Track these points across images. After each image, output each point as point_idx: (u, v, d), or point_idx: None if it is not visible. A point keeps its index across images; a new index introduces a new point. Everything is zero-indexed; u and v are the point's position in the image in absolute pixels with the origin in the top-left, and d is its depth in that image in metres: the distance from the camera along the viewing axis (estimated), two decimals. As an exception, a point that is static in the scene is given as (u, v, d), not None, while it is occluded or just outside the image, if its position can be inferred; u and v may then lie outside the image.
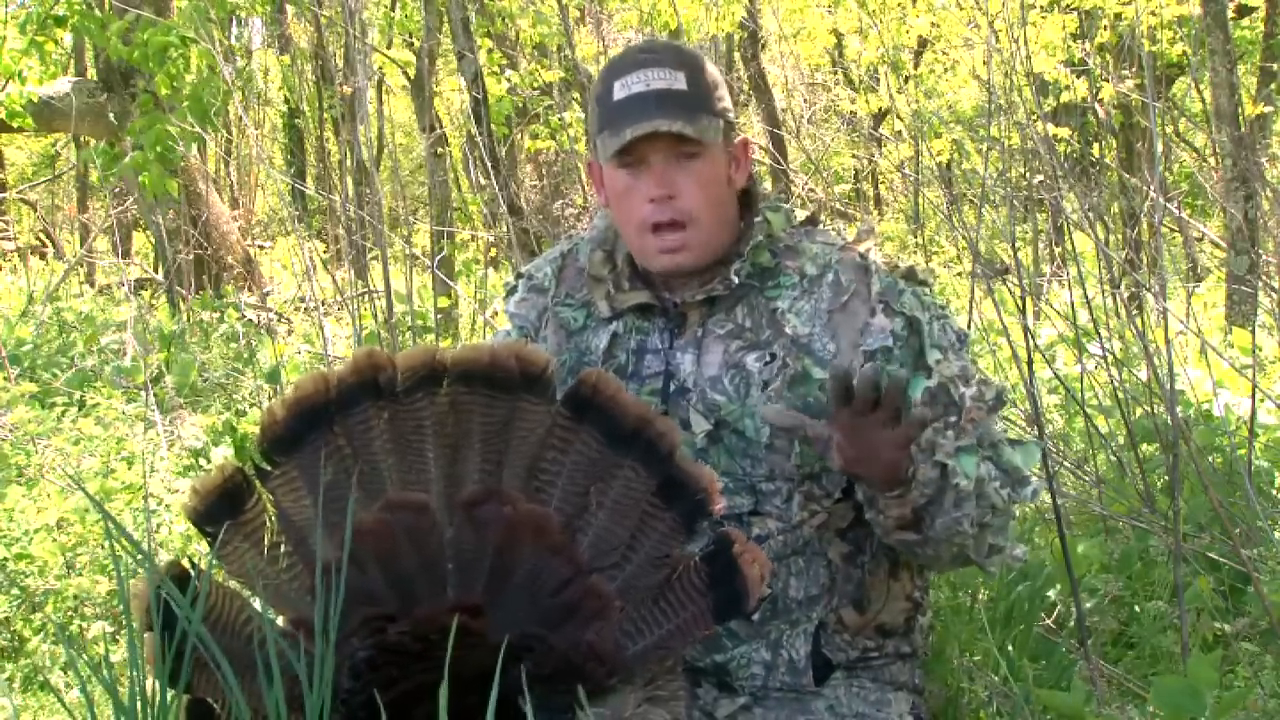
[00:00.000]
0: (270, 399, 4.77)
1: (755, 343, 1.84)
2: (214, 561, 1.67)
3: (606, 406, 1.67)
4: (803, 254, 1.87)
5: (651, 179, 1.81)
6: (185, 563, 1.67)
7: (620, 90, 1.81)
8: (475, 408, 1.68)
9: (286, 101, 14.72)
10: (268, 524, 1.69)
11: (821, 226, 1.97)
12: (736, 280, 1.85)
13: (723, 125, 1.83)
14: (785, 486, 1.83)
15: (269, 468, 1.70)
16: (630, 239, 1.88)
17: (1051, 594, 2.80)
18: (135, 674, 1.42)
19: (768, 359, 1.82)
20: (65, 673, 3.08)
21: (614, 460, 1.66)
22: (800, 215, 1.99)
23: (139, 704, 1.41)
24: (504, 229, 5.46)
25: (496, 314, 5.59)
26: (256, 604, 1.70)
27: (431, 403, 1.69)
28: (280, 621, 1.67)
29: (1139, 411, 3.59)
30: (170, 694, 1.49)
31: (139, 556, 1.57)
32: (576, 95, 6.96)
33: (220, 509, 1.68)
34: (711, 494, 1.65)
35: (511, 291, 2.06)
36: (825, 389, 1.77)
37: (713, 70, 1.87)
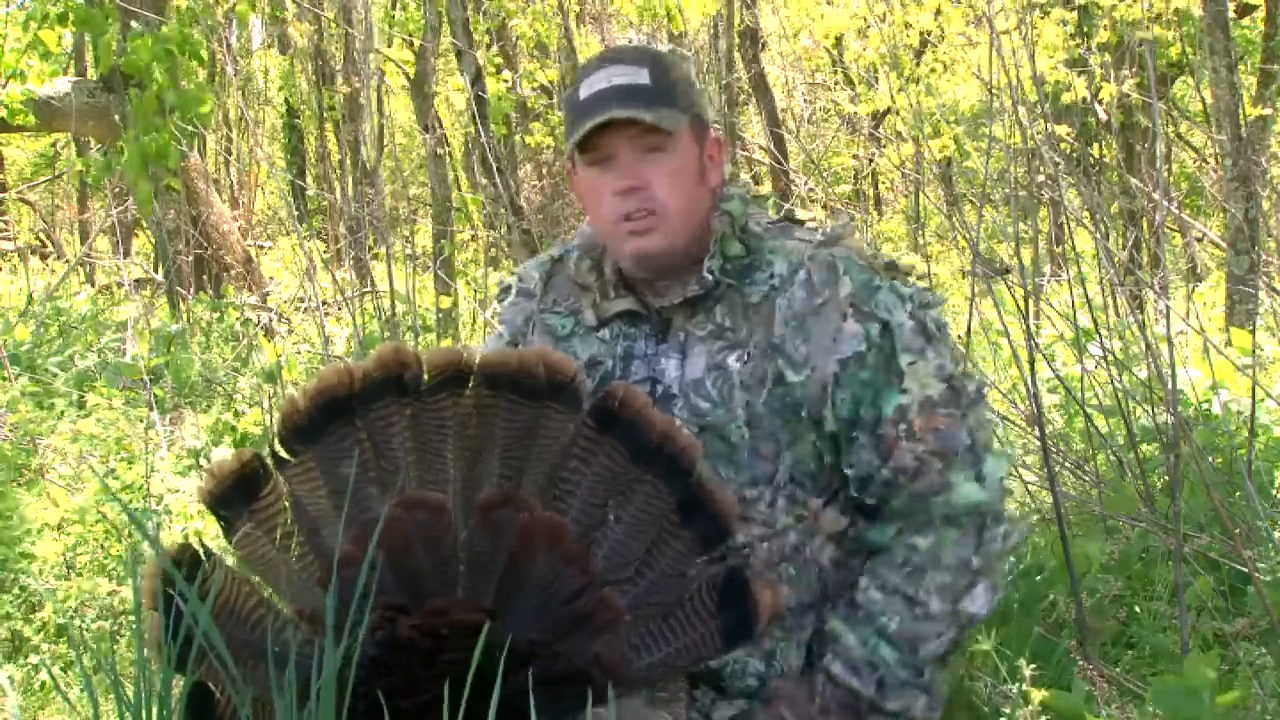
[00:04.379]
0: (270, 399, 4.77)
1: (735, 342, 1.83)
2: (225, 546, 1.67)
3: (632, 420, 1.66)
4: (777, 250, 1.86)
5: (618, 171, 1.81)
6: (196, 545, 1.66)
7: (585, 90, 1.82)
8: (499, 412, 1.67)
9: (286, 102, 14.72)
10: (282, 513, 1.69)
11: (806, 223, 1.95)
12: (711, 278, 1.83)
13: (689, 120, 1.83)
14: (769, 492, 1.82)
15: (287, 457, 1.70)
16: (606, 237, 1.89)
17: (1052, 594, 2.80)
18: (142, 676, 1.41)
19: (745, 358, 1.82)
20: (66, 672, 3.08)
21: (635, 474, 1.65)
22: (763, 211, 1.96)
23: (143, 704, 1.41)
24: (504, 229, 5.46)
25: (496, 313, 5.59)
26: (266, 592, 1.69)
27: (455, 403, 1.68)
28: (288, 611, 1.67)
29: (1139, 411, 3.59)
30: (176, 680, 1.48)
31: (149, 545, 1.58)
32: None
33: (236, 495, 1.68)
34: (731, 515, 1.64)
35: (505, 292, 2.07)
36: (800, 392, 1.78)
37: (683, 71, 1.87)
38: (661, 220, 1.81)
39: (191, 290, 8.32)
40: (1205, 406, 3.87)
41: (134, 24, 4.60)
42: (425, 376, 1.69)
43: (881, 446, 1.79)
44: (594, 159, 1.83)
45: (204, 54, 4.55)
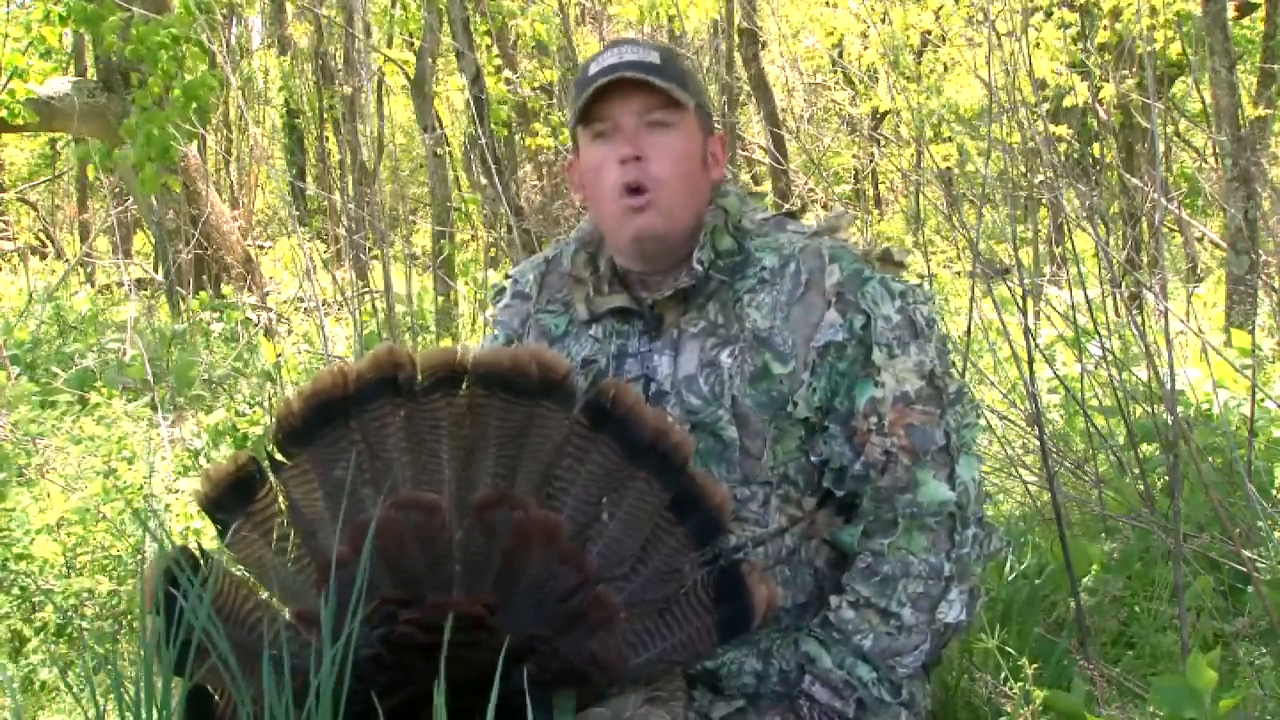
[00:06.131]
0: (270, 399, 4.77)
1: (727, 338, 1.83)
2: (222, 549, 1.67)
3: (625, 417, 1.66)
4: (767, 246, 1.86)
5: (622, 139, 1.81)
6: (194, 548, 1.66)
7: (595, 66, 1.83)
8: (492, 411, 1.68)
9: (286, 102, 14.72)
10: (278, 516, 1.69)
11: (802, 219, 1.96)
12: (701, 269, 1.83)
13: (696, 107, 1.85)
14: (761, 491, 1.82)
15: (283, 460, 1.70)
16: (605, 220, 1.88)
17: (1051, 594, 2.80)
18: (145, 680, 1.41)
19: (735, 353, 1.82)
20: (66, 672, 3.08)
21: (629, 471, 1.65)
22: (761, 208, 1.97)
23: (144, 703, 1.41)
24: (504, 229, 5.46)
25: (493, 315, 5.59)
26: (263, 594, 1.70)
27: (449, 404, 1.69)
28: (285, 614, 1.67)
29: (1139, 411, 3.59)
30: (175, 682, 1.48)
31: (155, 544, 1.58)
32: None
33: (232, 498, 1.69)
34: (724, 511, 1.65)
35: (499, 294, 2.06)
36: (787, 385, 1.78)
37: (688, 65, 1.89)
38: (659, 197, 1.81)
39: (191, 290, 8.31)
40: (1205, 406, 3.87)
41: (135, 16, 4.60)
42: (419, 377, 1.69)
43: (854, 439, 1.78)
44: (598, 130, 1.83)
45: (205, 45, 4.56)
